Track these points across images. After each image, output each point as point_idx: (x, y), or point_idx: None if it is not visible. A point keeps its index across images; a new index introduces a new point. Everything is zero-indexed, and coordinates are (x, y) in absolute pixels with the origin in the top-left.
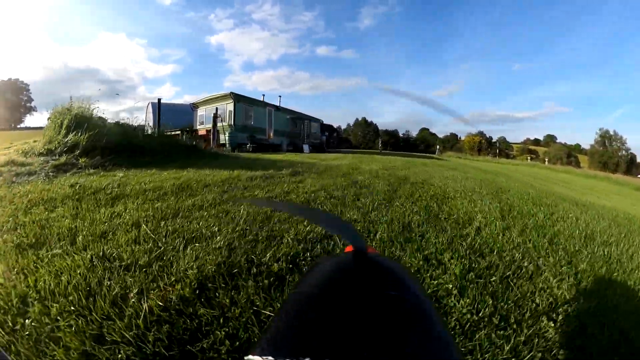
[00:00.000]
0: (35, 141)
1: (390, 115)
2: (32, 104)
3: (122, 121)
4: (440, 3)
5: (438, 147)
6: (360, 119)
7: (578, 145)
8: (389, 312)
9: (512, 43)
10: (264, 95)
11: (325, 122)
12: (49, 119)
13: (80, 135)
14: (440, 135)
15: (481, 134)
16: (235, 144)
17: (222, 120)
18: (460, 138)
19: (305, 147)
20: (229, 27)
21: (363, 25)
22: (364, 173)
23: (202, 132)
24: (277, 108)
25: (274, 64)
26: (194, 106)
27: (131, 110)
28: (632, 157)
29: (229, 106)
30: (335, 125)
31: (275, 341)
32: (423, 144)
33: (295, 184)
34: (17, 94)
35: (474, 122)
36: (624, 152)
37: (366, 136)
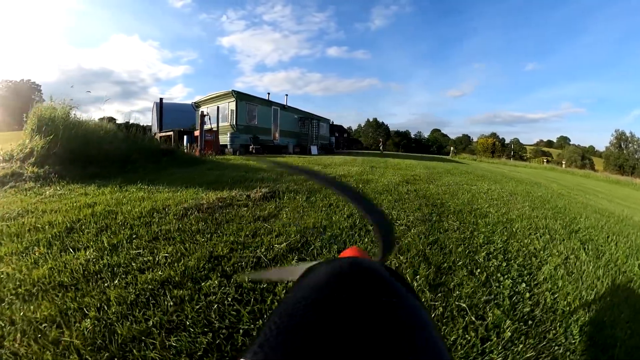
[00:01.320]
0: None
1: (402, 116)
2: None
3: (132, 121)
4: (451, 2)
5: (452, 148)
6: (371, 119)
7: (592, 147)
8: (382, 319)
9: (524, 43)
10: (269, 93)
11: (336, 123)
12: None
13: (41, 140)
14: (452, 137)
15: (494, 135)
16: (238, 145)
17: (223, 120)
18: (472, 139)
19: (313, 149)
20: (241, 29)
21: (374, 26)
22: (379, 191)
23: (196, 133)
24: (284, 107)
25: (285, 65)
26: (196, 105)
27: (144, 111)
28: None
29: (231, 105)
30: (345, 126)
31: (267, 346)
32: (435, 144)
33: (257, 224)
34: (29, 95)
35: (486, 123)
36: None
37: (377, 137)
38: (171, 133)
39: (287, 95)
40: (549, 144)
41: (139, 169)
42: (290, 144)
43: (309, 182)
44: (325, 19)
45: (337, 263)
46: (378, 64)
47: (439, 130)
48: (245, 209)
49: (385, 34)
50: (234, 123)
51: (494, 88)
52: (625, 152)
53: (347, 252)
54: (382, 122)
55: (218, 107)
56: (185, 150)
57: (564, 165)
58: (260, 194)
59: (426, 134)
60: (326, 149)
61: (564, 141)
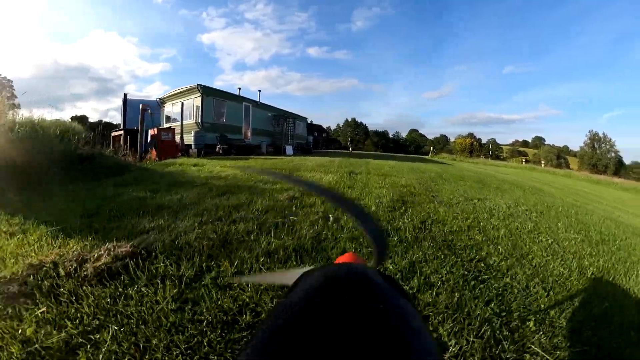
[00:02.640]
0: None
1: (380, 117)
2: (16, 102)
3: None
4: (433, 6)
5: (432, 148)
6: (350, 119)
7: (566, 147)
8: (374, 325)
9: (503, 46)
10: (239, 88)
11: (316, 122)
12: None
13: None
14: (430, 137)
15: (471, 135)
16: (203, 145)
17: (189, 118)
18: (449, 140)
19: (288, 149)
20: (222, 26)
21: (356, 27)
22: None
23: (152, 132)
24: (257, 104)
25: (265, 64)
26: (161, 102)
27: (119, 109)
28: (620, 159)
29: (197, 101)
30: (325, 126)
31: (261, 349)
32: (412, 145)
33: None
34: None
35: (463, 124)
36: (612, 154)
37: (355, 136)
38: (122, 132)
39: (259, 90)
40: (525, 144)
41: (31, 185)
42: (264, 143)
43: (271, 191)
44: (306, 18)
45: (332, 268)
46: (359, 65)
47: (417, 131)
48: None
49: (366, 36)
50: (199, 120)
51: (472, 90)
52: (598, 151)
53: (343, 258)
54: (361, 122)
55: (182, 104)
56: (122, 154)
57: (542, 165)
58: (108, 259)
59: (404, 134)
60: (303, 148)
61: (539, 141)
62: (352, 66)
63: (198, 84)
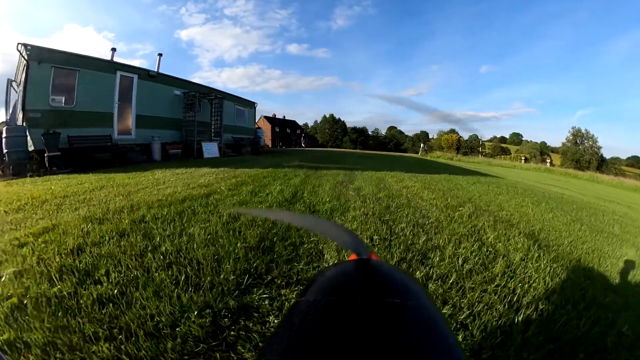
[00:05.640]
0: None
1: (359, 114)
2: None
3: None
4: (413, 6)
5: (423, 145)
6: (327, 115)
7: (544, 143)
8: (392, 320)
9: (480, 46)
10: (114, 49)
11: (297, 121)
12: None
13: None
14: (410, 134)
15: (453, 131)
16: (22, 155)
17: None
18: (430, 136)
19: (210, 148)
20: (201, 22)
21: (337, 25)
22: None
23: None
24: (150, 75)
25: (244, 61)
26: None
27: None
28: (602, 156)
29: (24, 72)
30: (310, 124)
31: (280, 349)
32: (392, 142)
33: None
34: None
35: (440, 122)
36: (595, 150)
37: (334, 133)
38: None
39: (160, 55)
40: (503, 140)
41: None
42: (157, 141)
43: None
44: (287, 15)
45: (348, 265)
46: (339, 63)
47: (396, 127)
48: None
49: (347, 34)
50: (22, 106)
51: (449, 88)
52: (581, 147)
53: (355, 255)
54: (339, 119)
55: (9, 81)
56: None
57: (548, 164)
58: None
59: (383, 131)
60: (245, 147)
61: (516, 137)
62: (332, 64)
63: (22, 44)
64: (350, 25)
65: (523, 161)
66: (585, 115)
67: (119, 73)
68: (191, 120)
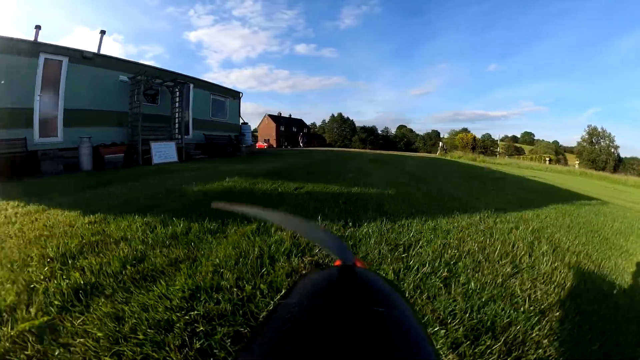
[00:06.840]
0: None
1: (368, 114)
2: None
3: None
4: (420, 4)
5: (441, 144)
6: (335, 114)
7: (557, 142)
8: (373, 329)
9: (488, 44)
10: (38, 27)
11: (306, 121)
12: None
13: None
14: (420, 133)
15: (466, 130)
16: None
17: None
18: (441, 135)
19: (165, 151)
20: (209, 24)
21: (344, 25)
22: None
23: None
24: (85, 57)
25: (252, 62)
26: None
27: None
28: (619, 155)
29: None
30: (318, 123)
31: (261, 351)
32: (402, 141)
33: None
34: None
35: (449, 121)
36: (612, 149)
37: (342, 133)
38: None
39: (103, 32)
40: (514, 139)
41: None
42: (87, 144)
43: None
44: (294, 16)
45: (332, 270)
46: (346, 62)
47: (406, 126)
48: None
49: (354, 33)
50: None
51: (457, 87)
52: (597, 147)
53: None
54: (348, 118)
55: None
56: None
57: (577, 166)
58: None
59: (392, 130)
60: (224, 147)
61: (528, 137)
62: (340, 63)
63: None
64: (358, 24)
65: (547, 162)
66: (597, 113)
67: (42, 56)
68: (136, 113)
